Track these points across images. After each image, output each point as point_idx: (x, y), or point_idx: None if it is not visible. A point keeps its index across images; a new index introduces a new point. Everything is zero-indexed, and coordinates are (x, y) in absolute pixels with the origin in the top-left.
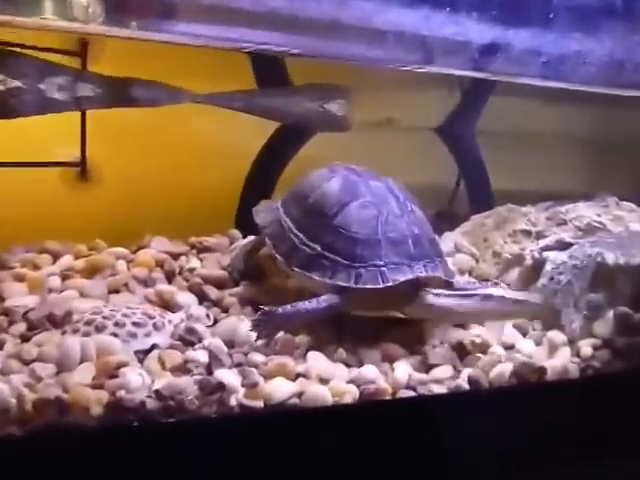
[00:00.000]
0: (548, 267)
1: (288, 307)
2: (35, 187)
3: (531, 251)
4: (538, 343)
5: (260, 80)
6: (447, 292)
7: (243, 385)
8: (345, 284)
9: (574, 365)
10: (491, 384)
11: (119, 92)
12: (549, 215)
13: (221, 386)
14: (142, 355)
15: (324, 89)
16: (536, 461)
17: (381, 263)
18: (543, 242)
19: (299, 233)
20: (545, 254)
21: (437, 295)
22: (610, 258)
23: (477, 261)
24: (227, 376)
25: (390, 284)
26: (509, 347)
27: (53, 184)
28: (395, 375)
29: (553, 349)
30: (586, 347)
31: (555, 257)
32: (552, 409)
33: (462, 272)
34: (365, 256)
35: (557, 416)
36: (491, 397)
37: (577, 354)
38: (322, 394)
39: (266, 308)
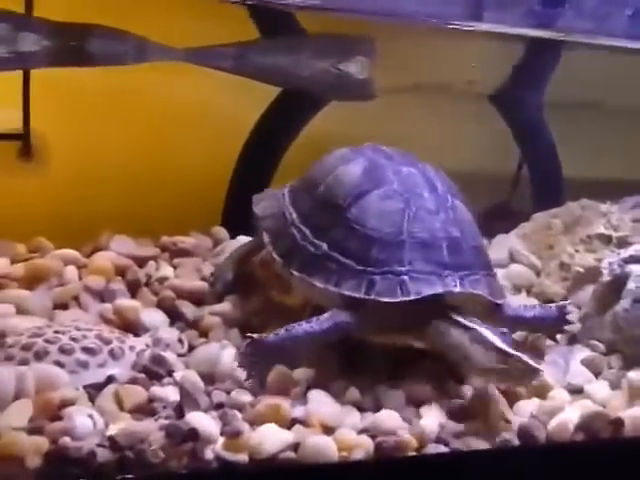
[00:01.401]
0: (632, 285)
1: (282, 331)
2: None
3: (609, 263)
4: (615, 386)
5: (263, 30)
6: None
7: (223, 433)
8: (353, 294)
9: None
10: (549, 439)
11: (73, 45)
12: (637, 215)
13: (194, 434)
14: (94, 391)
15: (339, 42)
16: None
17: (402, 270)
18: (626, 252)
19: (304, 228)
20: (629, 268)
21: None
22: None
23: (539, 275)
24: (202, 421)
25: (412, 298)
26: (576, 391)
27: None
28: (422, 424)
29: (635, 394)
30: None
31: None
32: (631, 474)
33: (517, 289)
34: (382, 260)
35: None
36: (549, 456)
37: None
38: (325, 446)
39: (255, 336)
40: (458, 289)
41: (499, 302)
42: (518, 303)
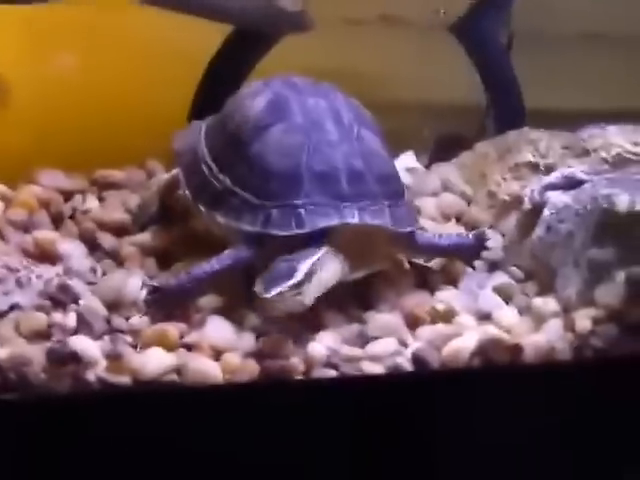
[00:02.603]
0: (547, 212)
1: (182, 275)
2: None
3: (531, 191)
4: (524, 313)
5: None
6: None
7: (107, 356)
8: (250, 228)
9: (565, 343)
10: (443, 365)
11: None
12: (566, 142)
13: (74, 356)
14: None
15: None
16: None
17: (299, 203)
18: (547, 179)
19: (211, 163)
20: (547, 195)
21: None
22: (622, 202)
23: (469, 203)
24: (84, 344)
25: (307, 230)
26: (484, 317)
27: None
28: (310, 347)
29: (540, 321)
30: (583, 319)
31: (557, 200)
32: (527, 403)
33: (447, 218)
34: (280, 194)
35: (534, 413)
36: (440, 383)
37: (571, 328)
38: (207, 370)
39: (155, 283)
40: (355, 220)
41: (405, 231)
42: (431, 234)
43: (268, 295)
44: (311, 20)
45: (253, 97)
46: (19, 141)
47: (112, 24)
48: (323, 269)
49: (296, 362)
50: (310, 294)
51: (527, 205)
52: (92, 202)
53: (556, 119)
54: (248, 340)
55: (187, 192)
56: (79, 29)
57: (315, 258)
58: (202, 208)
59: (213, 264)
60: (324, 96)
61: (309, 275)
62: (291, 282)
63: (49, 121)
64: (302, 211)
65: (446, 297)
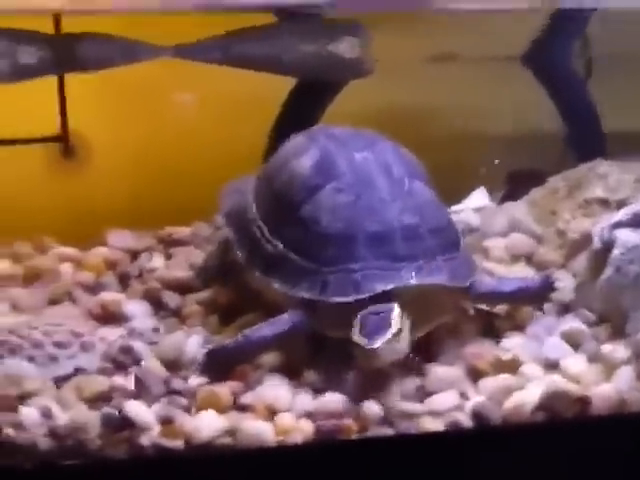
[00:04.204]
0: (616, 252)
1: (239, 337)
2: (9, 169)
3: (601, 229)
4: (593, 360)
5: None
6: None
7: (160, 421)
8: (307, 295)
9: (636, 393)
10: (504, 420)
11: (66, 54)
12: (639, 175)
13: (128, 422)
14: (63, 382)
15: (324, 26)
16: None
17: (355, 267)
18: (616, 216)
19: (262, 225)
20: (616, 234)
21: None
22: None
23: (539, 242)
24: (138, 409)
25: (364, 296)
26: (551, 365)
27: (30, 165)
28: (365, 406)
29: (610, 369)
30: None
31: (626, 239)
32: (595, 459)
33: (516, 259)
34: (335, 258)
35: (603, 470)
36: (501, 439)
37: None
38: (260, 432)
39: (211, 347)
40: (413, 281)
41: (463, 285)
42: (495, 280)
43: (375, 345)
44: (371, 64)
45: (299, 155)
46: (94, 199)
47: (182, 83)
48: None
49: (350, 421)
50: (405, 342)
51: (597, 244)
52: (158, 260)
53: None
54: (304, 399)
55: (239, 254)
56: (152, 89)
57: (399, 309)
58: (256, 273)
59: (269, 328)
60: (370, 149)
61: (403, 323)
62: (394, 330)
63: (123, 179)
64: (359, 276)
65: (512, 345)
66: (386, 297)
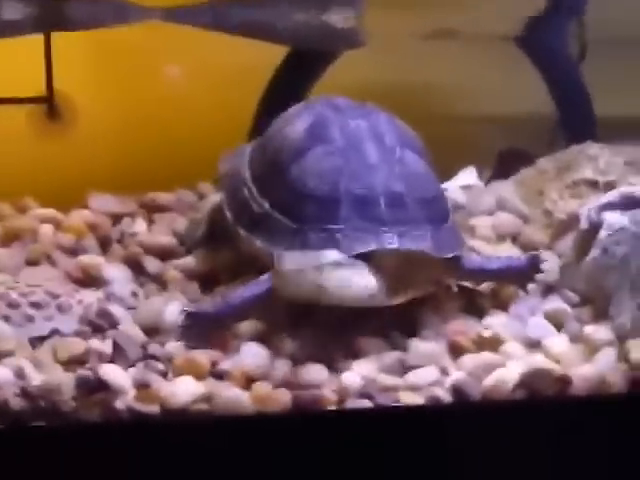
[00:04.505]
0: (603, 234)
1: (219, 300)
2: None
3: (588, 210)
4: (575, 340)
5: None
6: None
7: (137, 385)
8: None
9: (617, 375)
10: (484, 397)
11: (53, 11)
12: (630, 158)
13: (103, 385)
14: (39, 343)
15: None
16: None
17: (336, 228)
18: (605, 198)
19: (252, 186)
20: (604, 215)
21: None
22: None
23: (525, 222)
24: (113, 373)
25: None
26: (533, 344)
27: (14, 126)
28: (343, 377)
29: (592, 350)
30: (638, 349)
31: (614, 220)
32: (574, 439)
33: (502, 238)
34: (317, 218)
35: (582, 450)
36: (481, 415)
37: (624, 359)
38: (236, 399)
39: (191, 309)
40: (394, 245)
41: (446, 256)
42: (483, 254)
43: (284, 268)
44: (364, 36)
45: (294, 120)
46: (79, 162)
47: (172, 47)
48: (354, 277)
49: (328, 392)
50: (329, 288)
51: (584, 225)
52: (140, 225)
53: (636, 128)
54: (282, 368)
55: (228, 214)
56: (140, 52)
57: (347, 256)
58: (241, 231)
59: (250, 289)
60: (366, 117)
61: (335, 265)
62: (314, 261)
63: (108, 142)
64: (339, 236)
65: (494, 323)
66: (363, 259)
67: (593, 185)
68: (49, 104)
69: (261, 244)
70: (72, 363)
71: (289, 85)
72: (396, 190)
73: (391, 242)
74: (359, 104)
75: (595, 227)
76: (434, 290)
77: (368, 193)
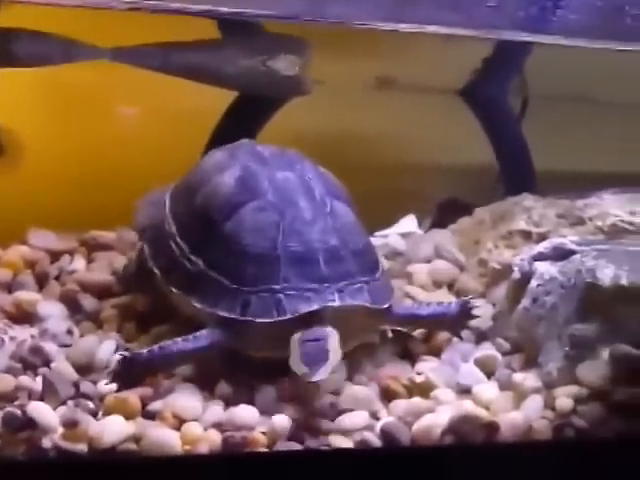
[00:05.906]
0: (534, 283)
1: (155, 348)
2: None
3: (521, 260)
4: (505, 387)
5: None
6: None
7: (63, 423)
8: (229, 314)
9: (544, 422)
10: (413, 441)
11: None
12: (562, 211)
13: (30, 422)
14: None
15: (266, 41)
16: None
17: (278, 288)
18: (536, 249)
19: (182, 242)
20: (535, 265)
21: None
22: (606, 276)
23: (462, 271)
24: (41, 410)
25: (288, 317)
26: (464, 391)
27: None
28: (274, 420)
29: (520, 397)
30: (564, 397)
31: (544, 270)
32: None
33: (438, 285)
34: (257, 278)
35: None
36: (409, 460)
37: (551, 406)
38: (166, 440)
39: (126, 354)
40: (336, 303)
41: (382, 307)
42: (411, 304)
43: (318, 378)
44: (310, 84)
45: (220, 171)
46: (22, 198)
47: (120, 86)
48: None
49: (258, 434)
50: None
51: (516, 275)
52: (79, 263)
53: (572, 182)
54: (215, 410)
55: (156, 270)
56: (88, 90)
57: (337, 338)
58: (174, 290)
59: (187, 344)
60: (292, 168)
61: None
62: (333, 363)
63: (52, 179)
64: (282, 296)
65: (427, 368)
66: (315, 319)
67: (527, 236)
68: None
69: (199, 305)
70: (1, 400)
71: (236, 129)
72: (332, 244)
73: (332, 299)
74: (280, 151)
75: (527, 277)
76: (370, 338)
77: (306, 250)
